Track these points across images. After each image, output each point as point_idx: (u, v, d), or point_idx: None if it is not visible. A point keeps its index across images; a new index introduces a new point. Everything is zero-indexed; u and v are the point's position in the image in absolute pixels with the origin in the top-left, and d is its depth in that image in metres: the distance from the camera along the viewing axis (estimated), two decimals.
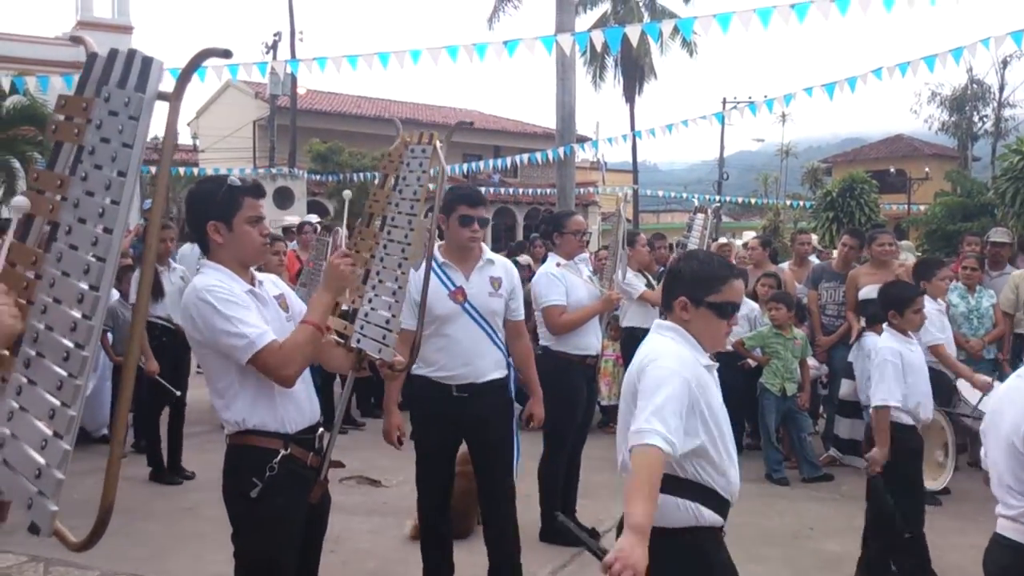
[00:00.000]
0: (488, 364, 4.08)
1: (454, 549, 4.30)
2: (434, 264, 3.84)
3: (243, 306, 2.70)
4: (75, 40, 1.79)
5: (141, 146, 1.51)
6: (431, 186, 3.21)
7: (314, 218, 10.38)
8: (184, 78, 1.63)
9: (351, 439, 7.41)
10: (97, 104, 1.57)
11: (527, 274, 8.94)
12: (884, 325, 4.63)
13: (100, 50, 1.64)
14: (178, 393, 6.42)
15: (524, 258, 9.56)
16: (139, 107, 1.52)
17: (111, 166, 1.52)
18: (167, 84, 1.61)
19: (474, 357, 4.03)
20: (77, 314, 1.47)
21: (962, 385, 6.19)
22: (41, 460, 1.44)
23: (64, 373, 1.45)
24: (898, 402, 4.35)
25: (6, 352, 1.52)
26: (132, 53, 1.58)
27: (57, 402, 1.45)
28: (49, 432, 1.44)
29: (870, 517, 4.58)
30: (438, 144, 3.17)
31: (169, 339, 6.30)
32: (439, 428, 4.10)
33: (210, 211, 2.78)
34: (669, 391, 2.40)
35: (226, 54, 1.73)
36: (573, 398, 5.16)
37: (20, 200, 1.52)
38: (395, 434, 4.05)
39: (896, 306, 4.53)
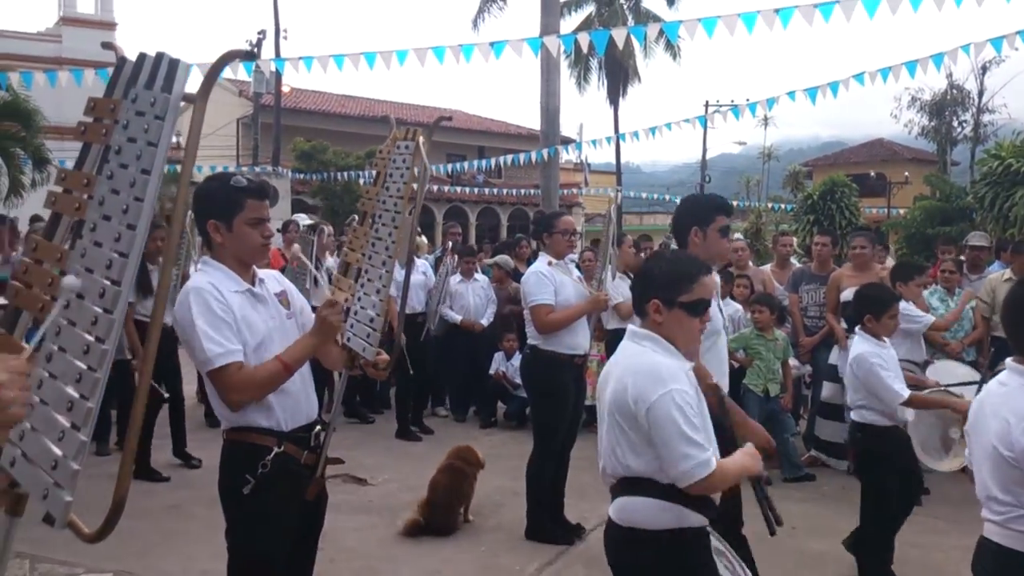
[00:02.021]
0: None
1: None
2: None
3: (221, 318, 2.69)
4: (106, 46, 1.82)
5: (166, 145, 1.55)
6: (414, 185, 3.22)
7: (303, 217, 10.34)
8: (209, 79, 1.67)
9: (336, 438, 7.40)
10: (124, 105, 1.60)
11: (500, 274, 9.00)
12: (857, 328, 4.60)
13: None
14: (166, 395, 6.46)
15: (503, 258, 9.52)
16: (165, 107, 1.56)
17: (136, 164, 1.55)
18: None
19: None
20: (98, 309, 1.50)
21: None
22: (58, 452, 1.46)
23: (84, 366, 1.48)
24: (907, 392, 4.36)
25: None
26: (160, 56, 1.61)
27: (76, 394, 1.47)
28: (67, 424, 1.47)
29: (863, 521, 4.61)
30: (420, 141, 3.18)
31: (162, 337, 6.30)
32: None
33: (211, 210, 2.80)
34: (688, 416, 2.47)
35: (249, 55, 1.78)
36: (562, 397, 5.20)
37: (71, 281, 1.53)
38: None
39: (873, 310, 4.50)
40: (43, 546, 4.54)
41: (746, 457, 2.67)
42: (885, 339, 4.55)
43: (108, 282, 1.50)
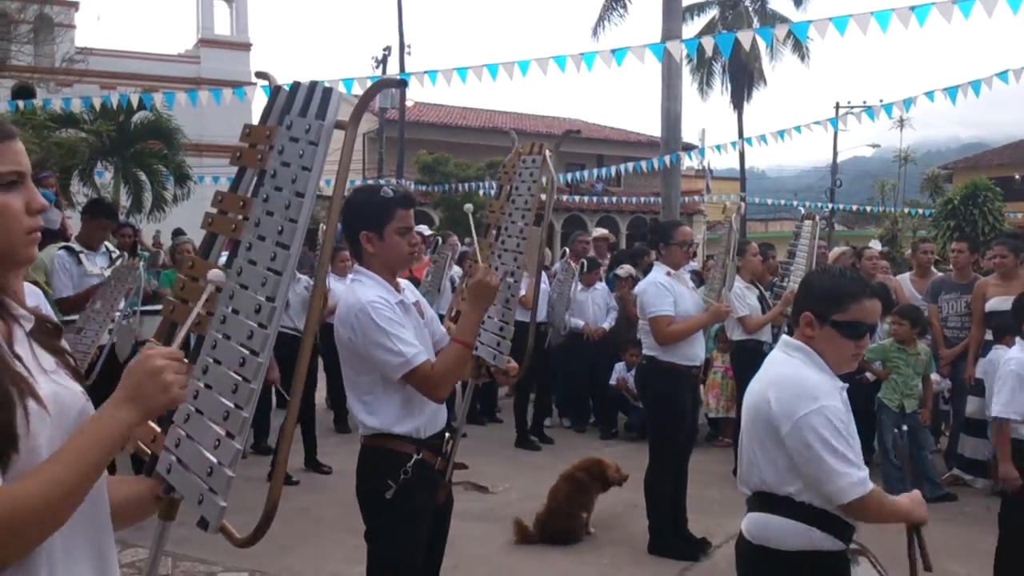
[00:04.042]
0: None
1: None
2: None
3: (401, 324, 2.82)
4: (260, 75, 1.94)
5: (319, 169, 1.62)
6: (542, 196, 3.27)
7: (425, 229, 10.55)
8: (361, 106, 1.74)
9: (459, 446, 7.52)
10: (280, 132, 1.68)
11: (624, 289, 8.87)
12: (1017, 337, 4.41)
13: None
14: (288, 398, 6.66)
15: (624, 269, 9.42)
16: (319, 133, 1.62)
17: (291, 187, 1.62)
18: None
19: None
20: (253, 324, 1.57)
21: None
22: (213, 459, 1.53)
23: (239, 378, 1.55)
24: (1018, 415, 4.13)
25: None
26: (313, 84, 1.69)
27: (231, 404, 1.54)
28: (222, 432, 1.54)
29: (1000, 542, 4.36)
30: (547, 154, 3.23)
31: (296, 348, 6.53)
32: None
33: (363, 221, 2.90)
34: (841, 433, 2.40)
35: (400, 84, 1.85)
36: (681, 408, 5.12)
37: (216, 273, 1.63)
38: None
39: None
40: (184, 545, 4.76)
41: (913, 503, 2.56)
42: None
43: (263, 299, 1.57)
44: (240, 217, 1.69)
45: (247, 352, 1.55)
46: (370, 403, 2.90)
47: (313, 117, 1.64)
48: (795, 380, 2.47)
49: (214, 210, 1.76)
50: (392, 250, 2.90)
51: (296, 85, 1.72)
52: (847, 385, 2.57)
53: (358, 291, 2.89)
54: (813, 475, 2.40)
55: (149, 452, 1.65)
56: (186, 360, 1.48)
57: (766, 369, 2.61)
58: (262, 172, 1.70)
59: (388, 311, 2.81)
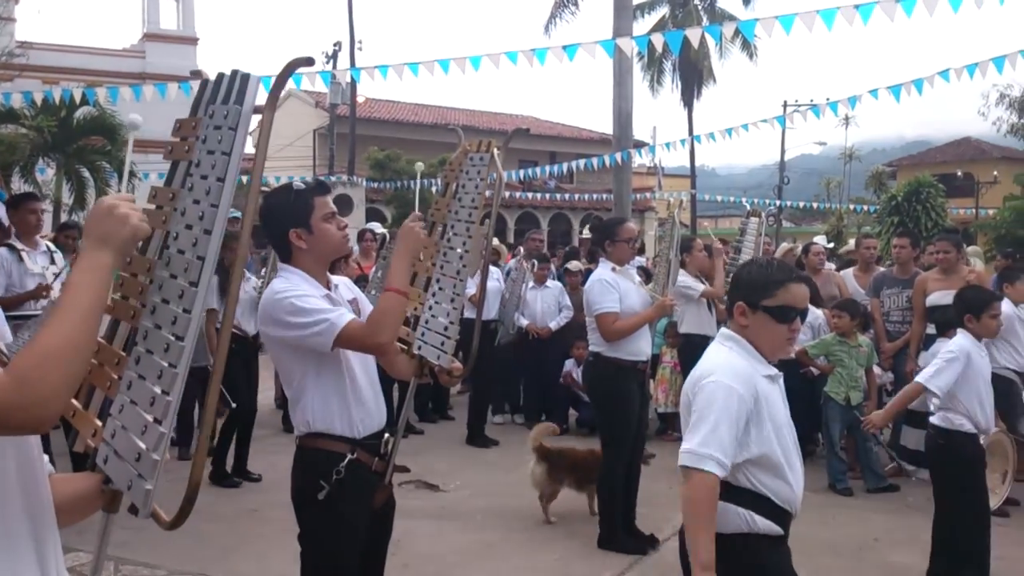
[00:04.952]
0: None
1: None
2: None
3: (315, 297, 2.78)
4: (195, 74, 1.94)
5: (239, 154, 1.64)
6: (488, 193, 3.24)
7: (377, 227, 10.46)
8: (275, 90, 1.74)
9: (409, 444, 7.46)
10: (204, 122, 1.71)
11: (574, 280, 8.95)
12: (959, 330, 4.55)
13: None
14: (234, 405, 6.42)
15: (575, 264, 9.54)
16: (237, 118, 1.65)
17: (212, 173, 1.64)
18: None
19: None
20: (178, 309, 1.59)
21: None
22: (142, 444, 1.55)
23: (165, 363, 1.57)
24: (937, 389, 4.33)
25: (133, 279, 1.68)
26: (235, 73, 1.71)
27: (158, 390, 1.56)
28: (150, 418, 1.55)
29: (935, 530, 4.49)
30: (496, 152, 3.21)
31: (238, 346, 6.43)
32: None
33: (287, 219, 2.85)
34: (723, 410, 2.44)
35: (309, 61, 1.87)
36: (627, 403, 5.13)
37: (135, 118, 1.68)
38: None
39: (974, 310, 4.47)
40: (126, 548, 4.67)
41: (709, 559, 2.38)
42: (982, 342, 4.51)
43: (188, 284, 1.59)
44: (170, 209, 1.70)
45: (172, 338, 1.57)
46: (303, 402, 2.85)
47: (232, 103, 1.67)
48: (717, 362, 2.59)
49: (151, 206, 1.76)
50: (324, 238, 2.86)
51: (220, 76, 1.74)
52: (780, 373, 2.65)
53: (274, 284, 2.86)
54: (689, 431, 2.51)
55: (94, 447, 1.65)
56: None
57: (702, 359, 2.68)
58: (189, 163, 1.71)
59: (302, 292, 2.77)
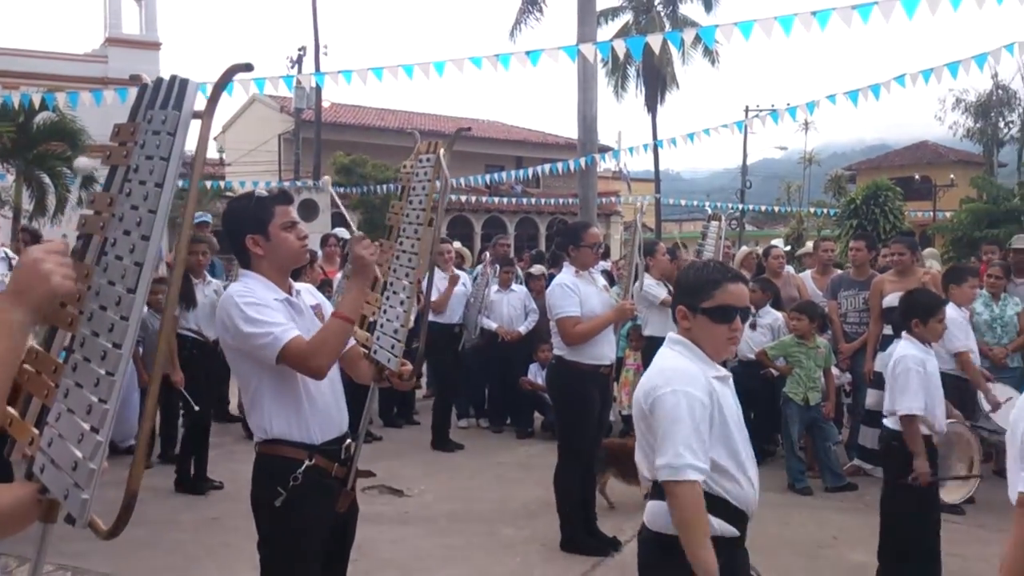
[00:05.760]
0: None
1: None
2: None
3: (270, 308, 2.76)
4: (134, 78, 1.92)
5: (177, 159, 1.63)
6: (435, 196, 3.24)
7: (343, 231, 10.42)
8: (214, 96, 1.74)
9: (373, 449, 7.45)
10: (142, 127, 1.71)
11: (539, 285, 9.00)
12: (904, 333, 4.55)
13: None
14: (196, 408, 6.37)
15: (538, 268, 9.60)
16: (175, 123, 1.65)
17: (150, 179, 1.64)
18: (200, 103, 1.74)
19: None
20: (116, 316, 1.57)
21: (981, 396, 6.16)
22: (78, 453, 1.53)
23: (102, 371, 1.55)
24: (921, 411, 4.30)
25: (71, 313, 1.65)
26: (173, 78, 1.71)
27: (95, 398, 1.54)
28: (87, 427, 1.53)
29: (882, 529, 4.54)
30: (441, 153, 3.21)
31: (199, 352, 6.37)
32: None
33: (246, 226, 2.86)
34: (688, 418, 2.44)
35: (248, 67, 1.86)
36: (587, 407, 5.16)
37: (84, 162, 1.65)
38: None
39: (920, 314, 4.45)
40: (82, 558, 4.62)
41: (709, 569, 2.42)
42: (929, 345, 4.50)
43: (125, 290, 1.58)
44: (108, 215, 1.69)
45: (109, 345, 1.56)
46: (259, 408, 2.84)
47: (171, 108, 1.67)
48: (665, 367, 2.59)
49: (91, 212, 1.76)
50: (281, 246, 2.86)
51: (159, 80, 1.74)
52: (730, 374, 2.67)
53: (230, 288, 2.86)
54: (656, 449, 2.48)
55: (31, 455, 1.64)
56: (71, 258, 1.53)
57: (652, 365, 2.70)
58: (127, 168, 1.71)
59: (253, 298, 2.75)
